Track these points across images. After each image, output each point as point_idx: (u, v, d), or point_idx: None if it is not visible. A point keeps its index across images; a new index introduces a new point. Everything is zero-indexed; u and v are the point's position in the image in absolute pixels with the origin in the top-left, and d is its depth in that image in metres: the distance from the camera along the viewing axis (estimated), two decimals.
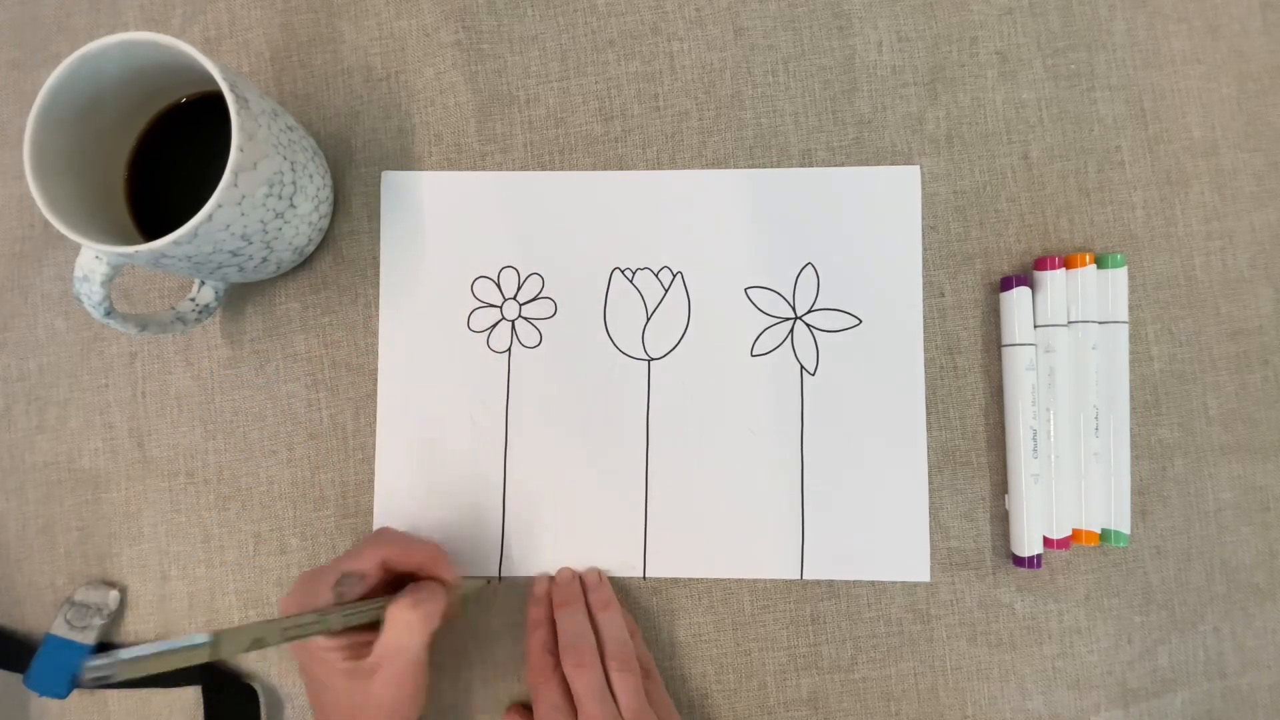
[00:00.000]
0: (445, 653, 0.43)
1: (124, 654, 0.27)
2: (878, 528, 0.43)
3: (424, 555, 0.38)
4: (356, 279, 0.45)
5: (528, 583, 0.43)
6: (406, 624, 0.35)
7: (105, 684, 0.26)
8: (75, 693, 0.42)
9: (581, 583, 0.42)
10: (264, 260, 0.39)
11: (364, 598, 0.36)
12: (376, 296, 0.45)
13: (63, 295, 0.45)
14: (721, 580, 0.43)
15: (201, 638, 0.28)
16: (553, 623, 0.40)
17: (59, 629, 0.42)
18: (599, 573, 0.43)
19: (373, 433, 0.44)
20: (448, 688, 0.43)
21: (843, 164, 0.44)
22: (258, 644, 0.31)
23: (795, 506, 0.43)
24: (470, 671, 0.43)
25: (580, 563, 0.43)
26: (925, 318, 0.44)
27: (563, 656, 0.38)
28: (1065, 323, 0.42)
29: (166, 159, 0.40)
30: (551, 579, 0.43)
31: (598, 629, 0.40)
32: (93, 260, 0.35)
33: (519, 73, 0.45)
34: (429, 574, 0.38)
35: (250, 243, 0.37)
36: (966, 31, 0.45)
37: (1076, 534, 0.42)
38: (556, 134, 0.45)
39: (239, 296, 0.45)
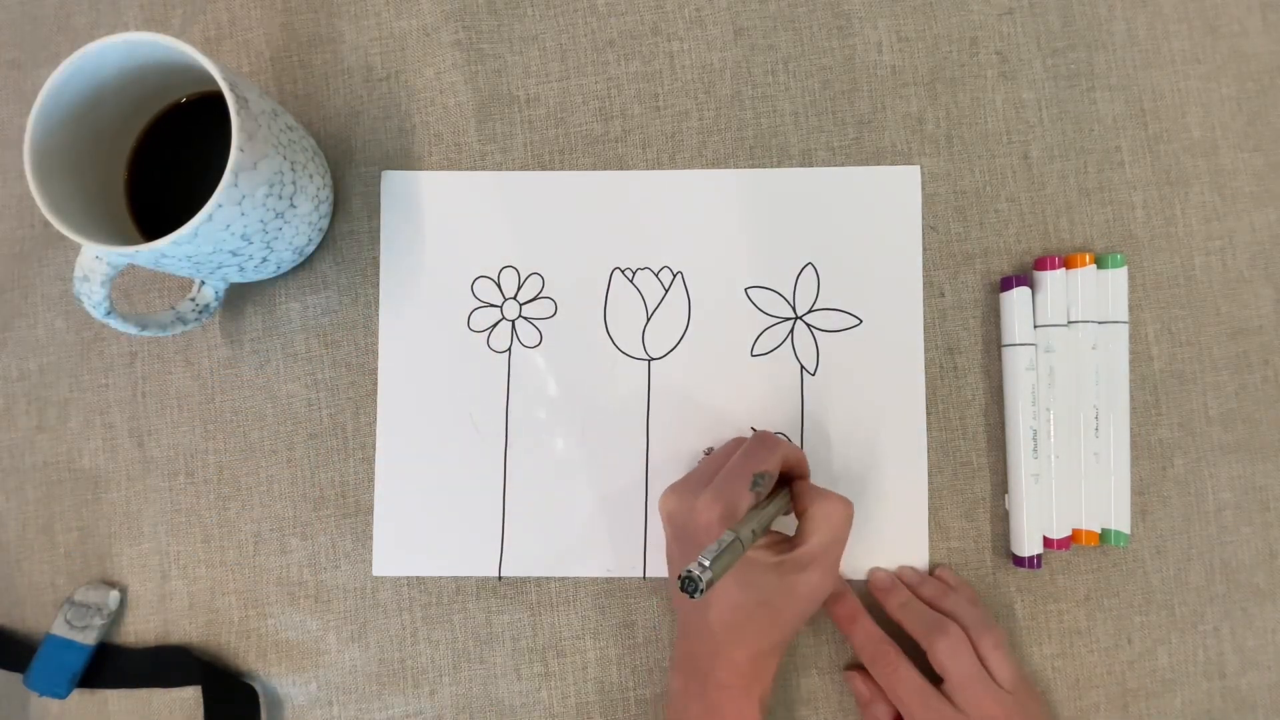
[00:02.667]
0: (446, 651, 0.43)
1: (711, 559, 0.29)
2: (878, 527, 0.43)
3: (800, 456, 0.39)
4: (356, 279, 0.45)
5: (527, 583, 0.43)
6: (838, 512, 0.37)
7: (709, 583, 0.29)
8: (75, 693, 0.42)
9: (902, 580, 0.42)
10: (264, 260, 0.39)
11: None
12: (376, 296, 0.45)
13: (63, 295, 0.45)
14: None
15: (736, 540, 0.31)
16: (866, 613, 0.41)
17: (59, 629, 0.42)
18: (913, 568, 0.43)
19: (373, 433, 0.44)
20: (449, 685, 0.43)
21: (843, 164, 0.44)
22: (746, 540, 0.32)
23: None
24: (471, 670, 0.43)
25: (580, 563, 0.43)
26: (925, 318, 0.44)
27: (930, 641, 0.38)
28: (1065, 323, 0.42)
29: (166, 159, 0.40)
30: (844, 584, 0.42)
31: (948, 611, 0.39)
32: (93, 260, 0.35)
33: (519, 73, 0.45)
34: (800, 473, 0.40)
35: (250, 243, 0.37)
36: (966, 31, 0.45)
37: (1076, 534, 0.42)
38: (556, 134, 0.45)
39: (239, 296, 0.45)
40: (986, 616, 0.40)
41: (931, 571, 0.43)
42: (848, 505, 0.38)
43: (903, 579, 0.42)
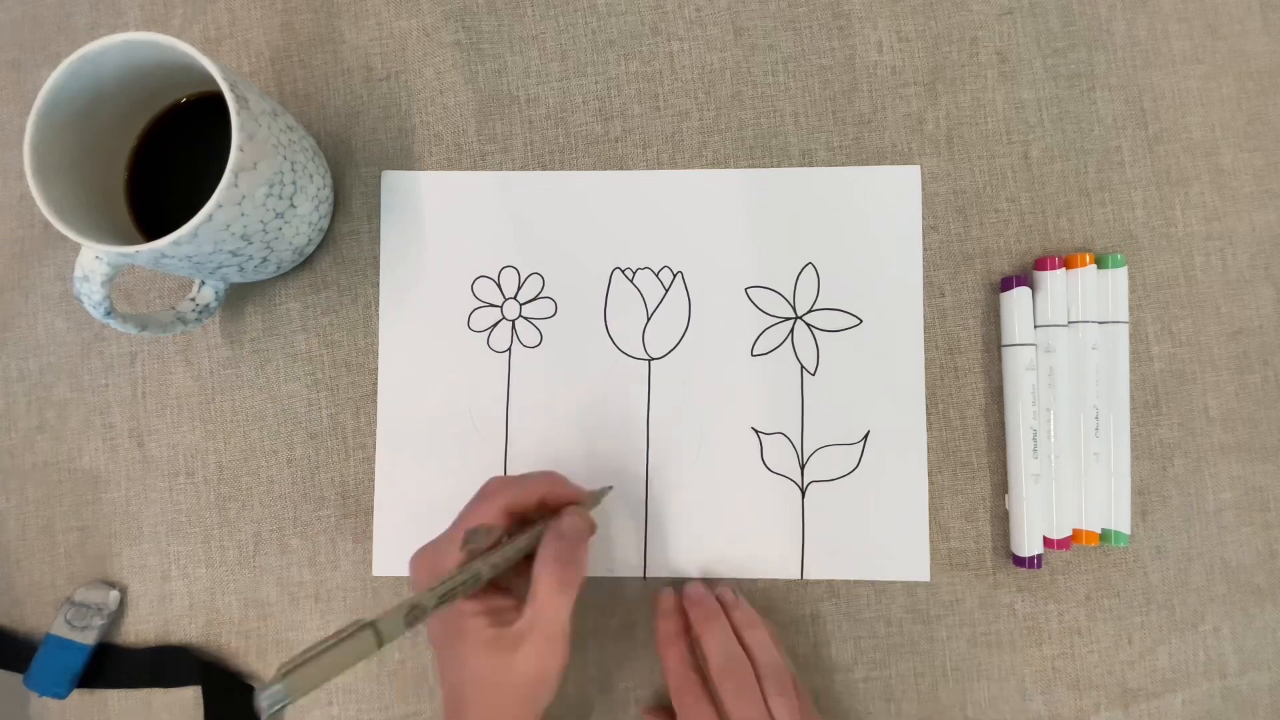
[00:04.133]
0: None
1: (286, 670, 0.24)
2: (878, 528, 0.43)
3: (544, 487, 0.36)
4: (356, 279, 0.45)
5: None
6: (555, 583, 0.33)
7: (283, 705, 0.24)
8: (75, 693, 0.42)
9: (719, 601, 0.40)
10: (264, 260, 0.39)
11: (490, 549, 0.34)
12: (376, 296, 0.45)
13: (63, 295, 0.45)
14: (722, 580, 0.43)
15: (360, 625, 0.26)
16: (686, 637, 0.39)
17: (59, 629, 0.42)
18: (733, 589, 0.41)
19: (373, 433, 0.44)
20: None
21: (843, 164, 0.44)
22: (416, 614, 0.28)
23: (795, 506, 0.43)
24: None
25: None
26: (925, 318, 0.44)
27: (718, 681, 0.36)
28: (1065, 323, 0.42)
29: (166, 159, 0.40)
30: (675, 592, 0.41)
31: (749, 650, 0.37)
32: (93, 260, 0.35)
33: (519, 73, 0.45)
34: (555, 503, 0.37)
35: (250, 243, 0.37)
36: (966, 31, 0.45)
37: (1076, 534, 0.42)
38: (556, 134, 0.45)
39: (239, 296, 0.45)
40: (781, 664, 0.37)
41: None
42: (564, 572, 0.33)
43: (721, 599, 0.40)
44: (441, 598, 0.30)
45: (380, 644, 0.26)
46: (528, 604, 0.33)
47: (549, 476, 0.37)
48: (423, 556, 0.35)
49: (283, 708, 0.24)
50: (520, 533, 0.36)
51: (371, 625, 0.26)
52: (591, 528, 0.37)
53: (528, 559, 0.35)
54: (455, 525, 0.35)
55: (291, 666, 0.24)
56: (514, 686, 0.33)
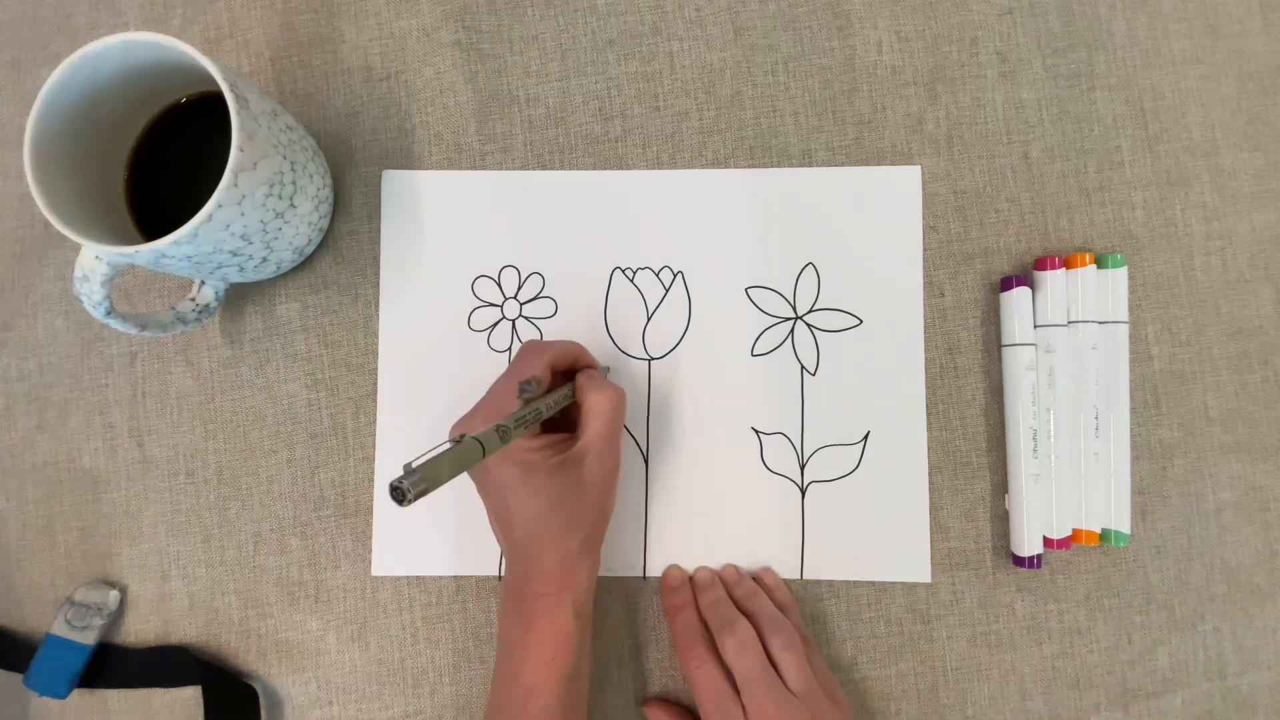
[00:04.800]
0: (447, 650, 0.43)
1: (416, 465, 0.27)
2: (878, 527, 0.43)
3: (575, 351, 0.40)
4: (356, 279, 0.45)
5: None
6: (607, 400, 0.37)
7: (423, 493, 0.26)
8: (75, 693, 0.42)
9: (721, 580, 0.42)
10: (264, 260, 0.39)
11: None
12: (376, 296, 0.45)
13: (63, 295, 0.45)
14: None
15: (465, 438, 0.30)
16: (695, 608, 0.41)
17: (59, 629, 0.42)
18: (736, 568, 0.43)
19: (373, 433, 0.44)
20: (450, 684, 0.43)
21: (843, 164, 0.44)
22: (503, 433, 0.32)
23: (795, 506, 0.43)
24: (472, 669, 0.43)
25: None
26: (925, 318, 0.44)
27: (719, 639, 0.38)
28: (1065, 323, 0.42)
29: (166, 159, 0.40)
30: (680, 568, 0.43)
31: (750, 612, 0.39)
32: (93, 260, 0.35)
33: (519, 73, 0.45)
34: (582, 365, 0.40)
35: (250, 243, 0.37)
36: (966, 31, 0.45)
37: (1076, 534, 0.42)
38: (556, 134, 0.45)
39: (239, 296, 0.45)
40: (784, 618, 0.39)
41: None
42: (616, 392, 0.38)
43: (722, 577, 0.42)
44: (518, 422, 0.34)
45: (484, 453, 0.30)
46: (584, 426, 0.38)
47: (575, 343, 0.41)
48: (478, 413, 0.37)
49: (420, 496, 0.26)
50: (554, 387, 0.39)
51: (475, 439, 0.30)
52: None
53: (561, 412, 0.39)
54: (503, 382, 0.38)
55: (420, 463, 0.27)
56: (586, 492, 0.37)
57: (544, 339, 0.42)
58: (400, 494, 0.26)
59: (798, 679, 0.36)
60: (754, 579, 0.42)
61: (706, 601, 0.40)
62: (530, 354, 0.38)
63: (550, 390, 0.38)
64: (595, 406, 0.37)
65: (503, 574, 0.39)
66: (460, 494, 0.44)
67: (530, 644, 0.36)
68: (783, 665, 0.37)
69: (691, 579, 0.42)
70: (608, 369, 0.44)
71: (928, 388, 0.44)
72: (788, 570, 0.43)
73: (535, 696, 0.35)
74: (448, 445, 0.30)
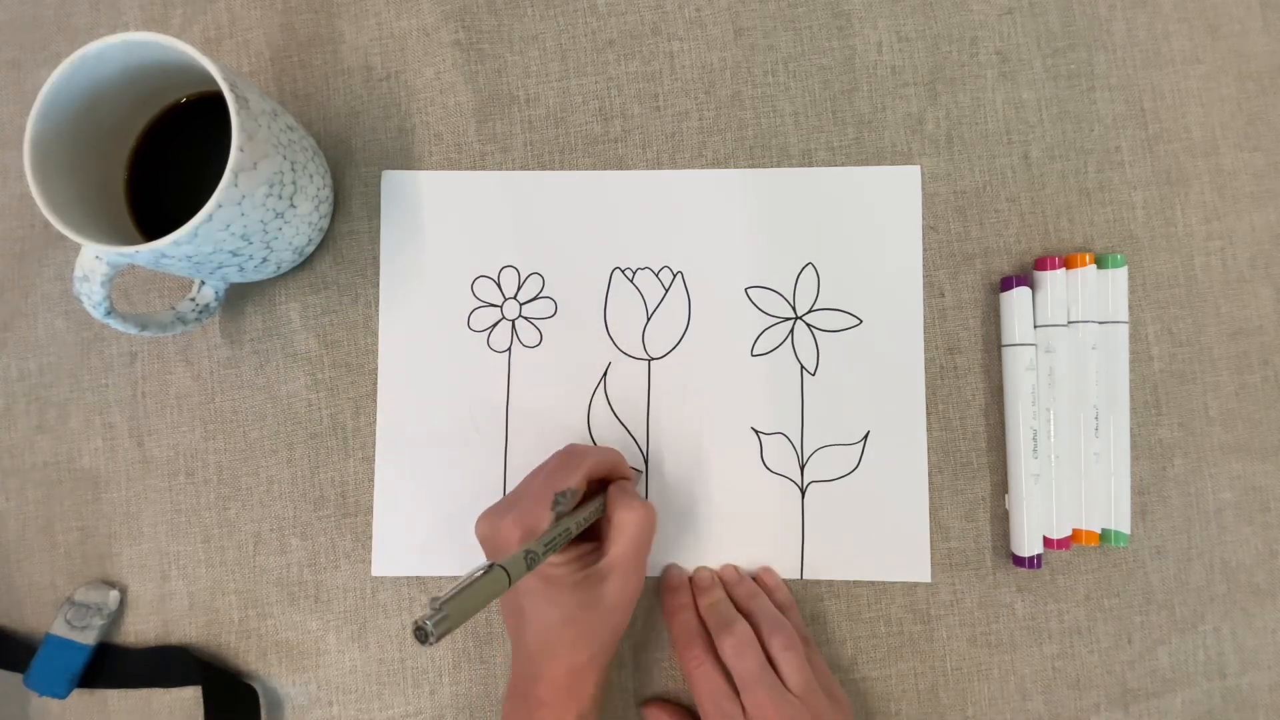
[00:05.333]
0: (447, 650, 0.43)
1: (442, 603, 0.27)
2: (878, 528, 0.43)
3: (615, 460, 0.40)
4: (356, 279, 0.45)
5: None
6: (637, 519, 0.37)
7: (446, 632, 0.26)
8: (75, 693, 0.42)
9: (721, 579, 0.42)
10: (264, 260, 0.39)
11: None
12: (376, 296, 0.45)
13: (63, 295, 0.45)
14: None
15: (492, 566, 0.30)
16: (694, 608, 0.41)
17: (59, 629, 0.42)
18: (735, 568, 0.43)
19: (373, 433, 0.44)
20: (450, 684, 0.43)
21: (843, 164, 0.44)
22: (531, 559, 0.32)
23: (795, 506, 0.43)
24: (472, 669, 0.43)
25: None
26: (925, 318, 0.44)
27: (718, 640, 0.38)
28: (1065, 323, 0.42)
29: (166, 159, 0.40)
30: (680, 568, 0.43)
31: (749, 613, 0.39)
32: (93, 260, 0.35)
33: (519, 73, 0.45)
34: (617, 476, 0.40)
35: (250, 243, 0.37)
36: (966, 31, 0.45)
37: (1076, 534, 0.42)
38: (556, 134, 0.45)
39: (239, 296, 0.45)
40: (783, 618, 0.39)
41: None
42: (647, 511, 0.37)
43: (722, 577, 0.42)
44: (547, 547, 0.33)
45: (510, 583, 0.30)
46: (611, 542, 0.37)
47: (614, 451, 0.40)
48: (510, 513, 0.36)
49: (444, 635, 0.26)
50: (588, 500, 0.39)
51: (502, 568, 0.30)
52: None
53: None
54: (538, 488, 0.37)
55: (445, 599, 0.27)
56: (604, 612, 0.36)
57: (585, 445, 0.41)
58: (424, 635, 0.26)
59: (797, 679, 0.36)
60: (754, 579, 0.42)
61: (706, 602, 0.40)
62: (569, 462, 0.38)
63: (583, 504, 0.38)
64: (625, 523, 0.37)
65: (511, 669, 0.39)
66: (459, 495, 0.44)
67: None
68: (782, 665, 0.37)
69: (691, 579, 0.42)
70: (640, 473, 0.44)
71: (928, 388, 0.44)
72: (788, 570, 0.43)
73: None
74: (477, 572, 0.29)
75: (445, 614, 0.26)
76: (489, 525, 0.37)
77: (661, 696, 0.42)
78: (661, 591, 0.42)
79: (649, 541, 0.38)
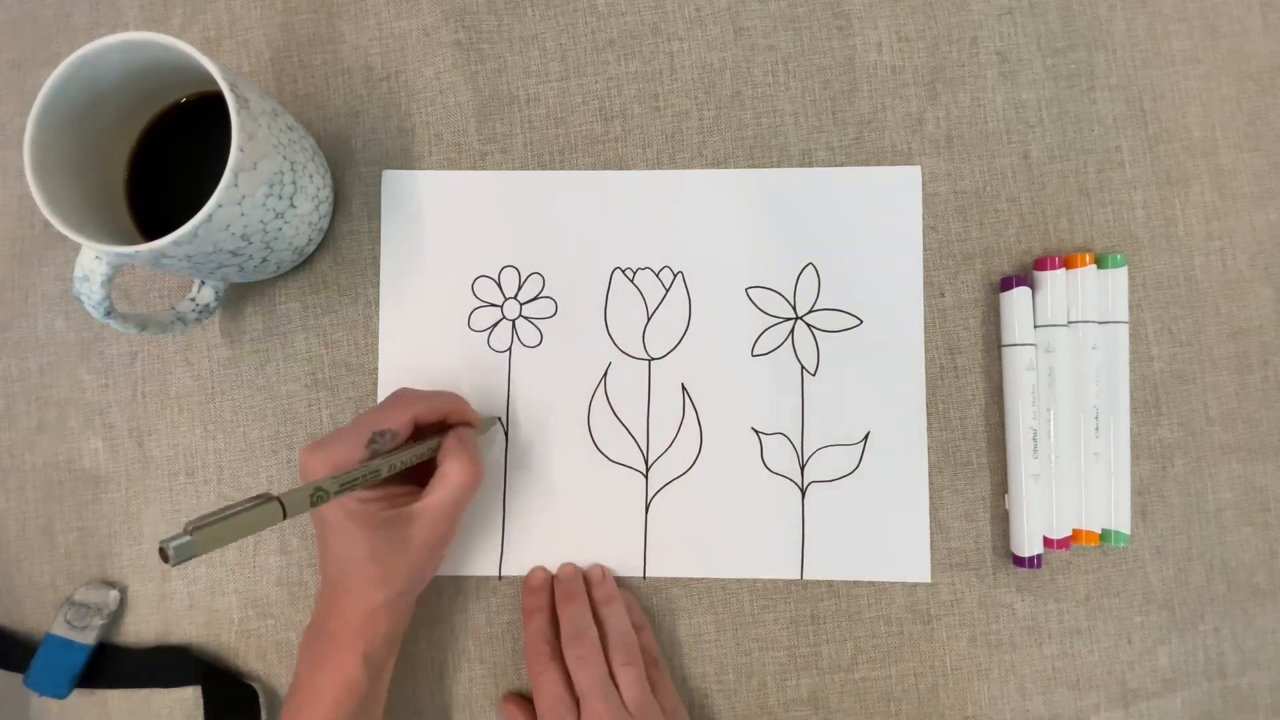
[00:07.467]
0: (446, 650, 0.43)
1: (194, 526, 0.26)
2: (878, 528, 0.43)
3: (449, 405, 0.39)
4: (356, 279, 0.45)
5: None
6: (461, 475, 0.37)
7: (189, 557, 0.25)
8: (75, 693, 0.42)
9: (585, 579, 0.42)
10: (264, 260, 0.39)
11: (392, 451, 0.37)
12: (376, 296, 0.45)
13: (63, 295, 0.45)
14: (721, 580, 0.43)
15: (267, 498, 0.28)
16: (551, 612, 0.41)
17: (59, 629, 0.42)
18: (602, 569, 0.43)
19: None
20: (449, 684, 0.43)
21: (843, 164, 0.44)
22: (319, 498, 0.31)
23: (795, 506, 0.43)
24: (472, 669, 0.43)
25: (581, 562, 0.43)
26: (925, 318, 0.44)
27: (565, 648, 0.39)
28: (1065, 323, 0.42)
29: (166, 159, 0.40)
30: (546, 570, 0.43)
31: (601, 622, 0.40)
32: (93, 260, 0.35)
33: (519, 73, 0.45)
34: (455, 420, 0.39)
35: (250, 243, 0.37)
36: (966, 31, 0.45)
37: (1076, 534, 0.42)
38: (556, 134, 0.45)
39: (239, 296, 0.45)
40: (631, 634, 0.40)
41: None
42: (474, 468, 0.37)
43: (588, 577, 0.42)
44: (344, 485, 0.32)
45: (284, 516, 0.29)
46: (430, 490, 0.37)
47: (455, 396, 0.40)
48: (321, 449, 0.35)
49: (189, 559, 0.25)
50: (416, 441, 0.38)
51: (277, 499, 0.28)
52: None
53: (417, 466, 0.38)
54: (359, 424, 0.36)
55: (201, 524, 0.26)
56: (405, 554, 0.36)
57: (419, 389, 0.40)
58: (165, 555, 0.25)
59: (632, 694, 0.37)
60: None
61: (565, 604, 0.41)
62: (396, 403, 0.37)
63: (409, 444, 0.37)
64: (448, 474, 0.37)
65: (315, 604, 0.39)
66: None
67: (316, 686, 0.36)
68: (620, 680, 0.38)
69: (554, 578, 0.43)
70: (495, 421, 0.43)
71: (928, 388, 0.44)
72: (788, 570, 0.43)
73: None
74: (248, 503, 0.28)
75: (191, 539, 0.25)
76: (303, 457, 0.36)
77: (522, 693, 0.43)
78: (523, 591, 0.43)
79: (467, 498, 0.37)
